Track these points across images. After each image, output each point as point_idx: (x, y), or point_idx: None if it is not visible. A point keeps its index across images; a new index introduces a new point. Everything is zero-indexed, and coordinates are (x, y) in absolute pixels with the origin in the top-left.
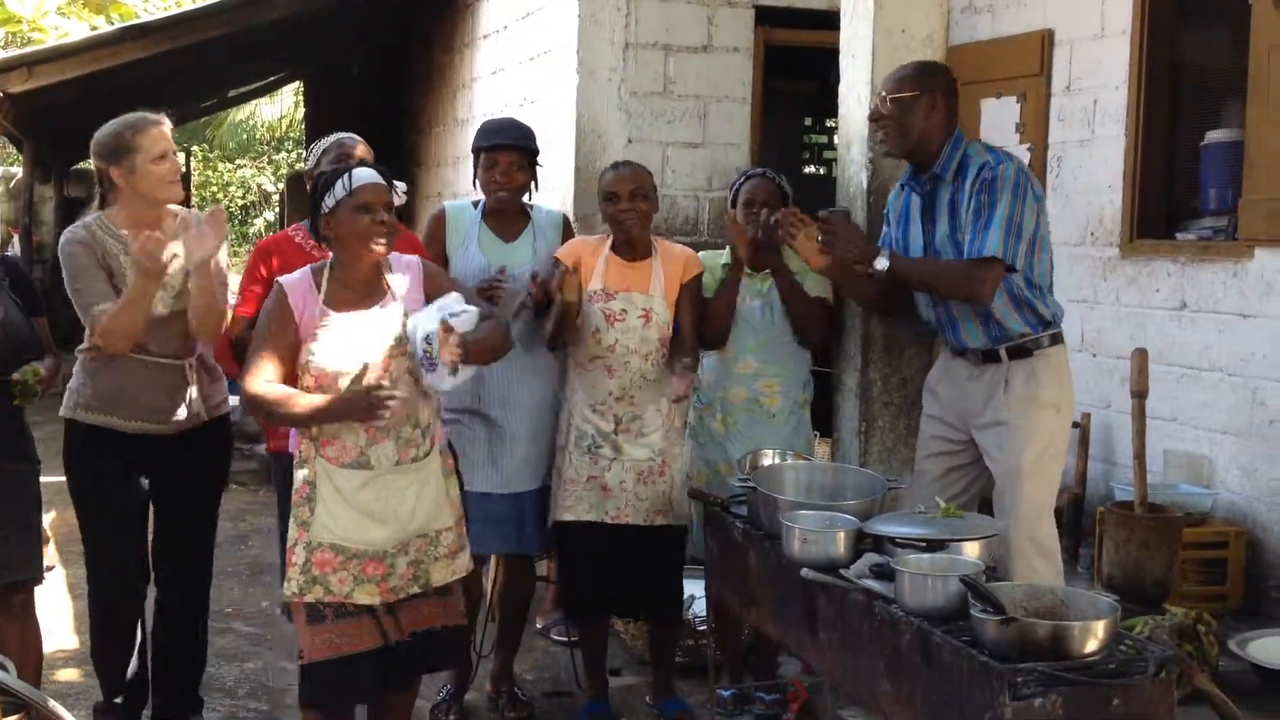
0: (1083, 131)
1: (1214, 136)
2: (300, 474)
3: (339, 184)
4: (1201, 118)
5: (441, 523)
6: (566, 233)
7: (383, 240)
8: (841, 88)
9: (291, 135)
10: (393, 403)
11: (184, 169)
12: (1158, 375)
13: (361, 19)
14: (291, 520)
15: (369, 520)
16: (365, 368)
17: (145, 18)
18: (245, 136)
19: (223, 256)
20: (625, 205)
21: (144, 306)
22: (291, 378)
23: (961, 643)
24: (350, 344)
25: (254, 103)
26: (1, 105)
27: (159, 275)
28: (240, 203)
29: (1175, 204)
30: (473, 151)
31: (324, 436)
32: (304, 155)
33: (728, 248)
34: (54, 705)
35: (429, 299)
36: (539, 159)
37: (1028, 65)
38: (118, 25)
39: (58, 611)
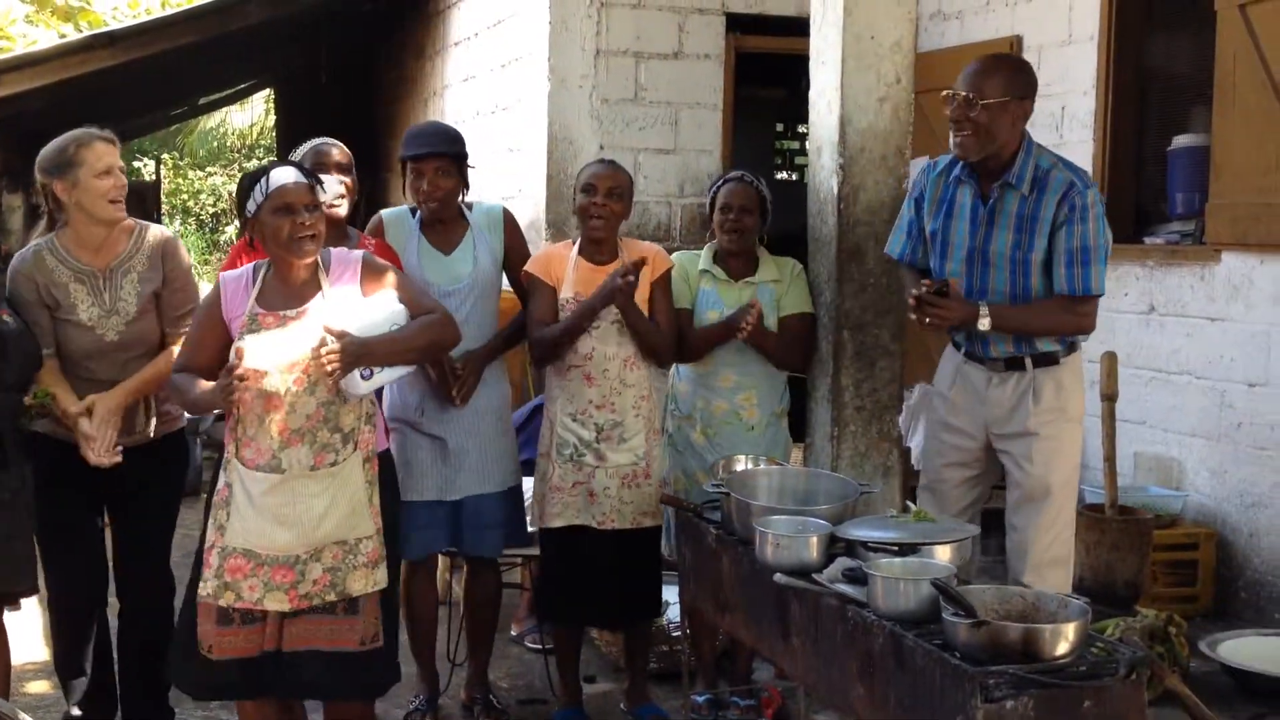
0: (1051, 137)
1: (1181, 141)
2: (222, 476)
3: (258, 187)
4: (1168, 123)
5: (361, 530)
6: (509, 227)
7: (308, 244)
8: (812, 94)
9: (262, 143)
10: (240, 387)
11: (127, 189)
12: (1127, 379)
13: (332, 26)
14: (210, 522)
15: (275, 524)
16: (239, 353)
17: (114, 25)
18: (216, 144)
19: (185, 277)
20: (600, 200)
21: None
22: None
23: (933, 646)
24: (274, 343)
25: (224, 110)
26: None
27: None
28: (211, 210)
29: (1143, 208)
30: (399, 161)
31: (245, 438)
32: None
33: (704, 249)
34: (24, 717)
35: (367, 296)
36: (470, 161)
37: None
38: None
39: (27, 623)
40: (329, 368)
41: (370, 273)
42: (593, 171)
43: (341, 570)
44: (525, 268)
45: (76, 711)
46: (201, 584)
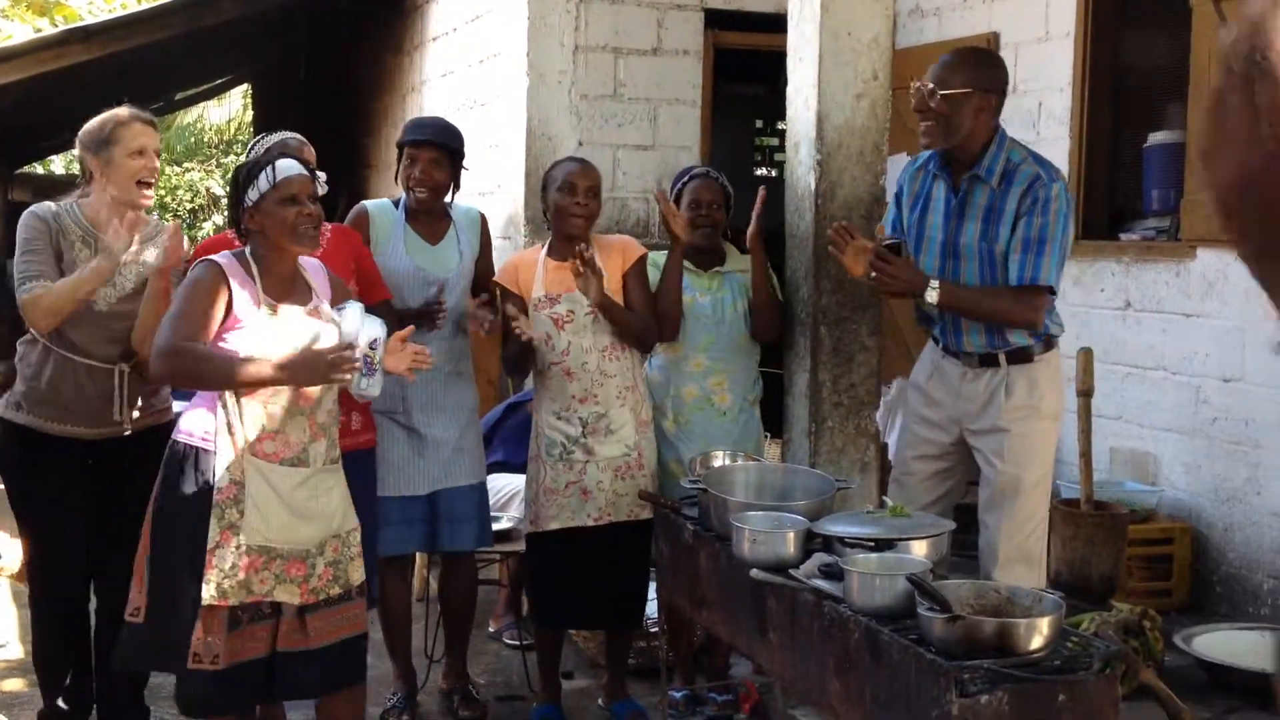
0: (1028, 133)
1: (1157, 138)
2: (224, 474)
3: (263, 176)
4: (1144, 119)
5: (350, 523)
6: (484, 232)
7: (312, 233)
8: (789, 90)
9: (240, 138)
10: (354, 368)
11: (157, 171)
12: (1103, 374)
13: (309, 21)
14: (214, 523)
15: (299, 519)
16: (316, 336)
17: (89, 20)
18: (193, 139)
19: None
20: (581, 199)
21: (87, 288)
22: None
23: (909, 641)
24: (283, 337)
25: (202, 106)
26: None
27: (116, 262)
28: (189, 206)
29: (1119, 205)
30: (397, 147)
31: (266, 432)
32: (244, 152)
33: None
34: None
35: (331, 304)
36: (464, 162)
37: None
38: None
39: (1, 620)
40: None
41: (332, 281)
42: (570, 169)
43: (341, 563)
44: (494, 279)
45: (54, 708)
46: (205, 586)
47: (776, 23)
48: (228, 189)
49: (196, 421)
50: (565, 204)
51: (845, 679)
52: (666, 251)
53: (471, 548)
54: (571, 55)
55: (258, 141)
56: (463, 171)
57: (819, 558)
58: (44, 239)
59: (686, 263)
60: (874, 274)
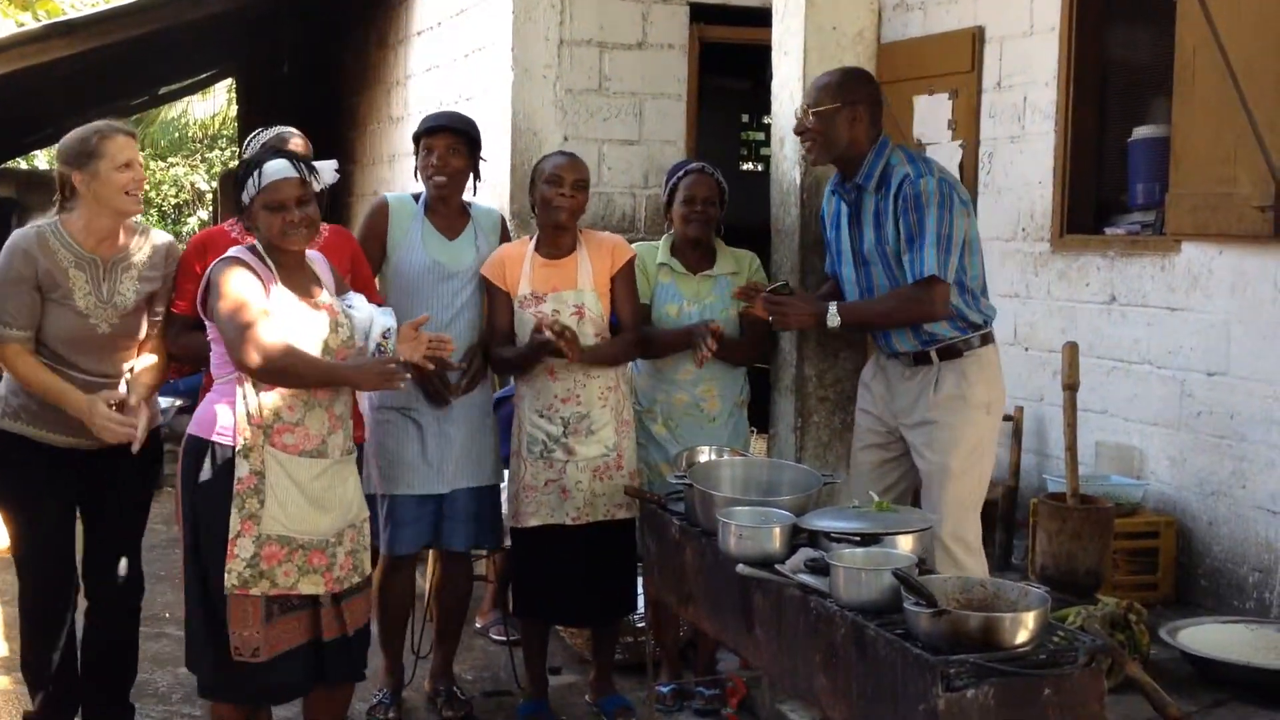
0: (1013, 128)
1: (1141, 132)
2: (243, 465)
3: (250, 181)
4: (1129, 114)
5: (364, 512)
6: (504, 235)
7: (297, 238)
8: (775, 85)
9: (225, 133)
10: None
11: (144, 180)
12: (1088, 368)
13: (294, 15)
14: (234, 512)
15: (317, 509)
16: (338, 326)
17: (72, 14)
18: (177, 134)
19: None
20: (567, 191)
21: (53, 399)
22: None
23: (895, 635)
24: (302, 329)
25: (186, 100)
26: None
27: (86, 417)
28: (173, 201)
29: (1104, 199)
30: (414, 140)
31: (280, 424)
32: (241, 150)
33: (661, 241)
34: None
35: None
36: (481, 153)
37: (959, 62)
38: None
39: None
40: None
41: (339, 277)
42: (557, 163)
43: (359, 552)
44: (481, 270)
45: (39, 711)
46: (226, 575)
47: (762, 17)
48: (214, 185)
49: (212, 417)
50: (550, 195)
51: (832, 674)
52: (647, 245)
53: (467, 547)
54: (557, 49)
55: (255, 136)
56: (481, 161)
57: (805, 553)
58: (26, 282)
59: (676, 264)
60: (771, 316)
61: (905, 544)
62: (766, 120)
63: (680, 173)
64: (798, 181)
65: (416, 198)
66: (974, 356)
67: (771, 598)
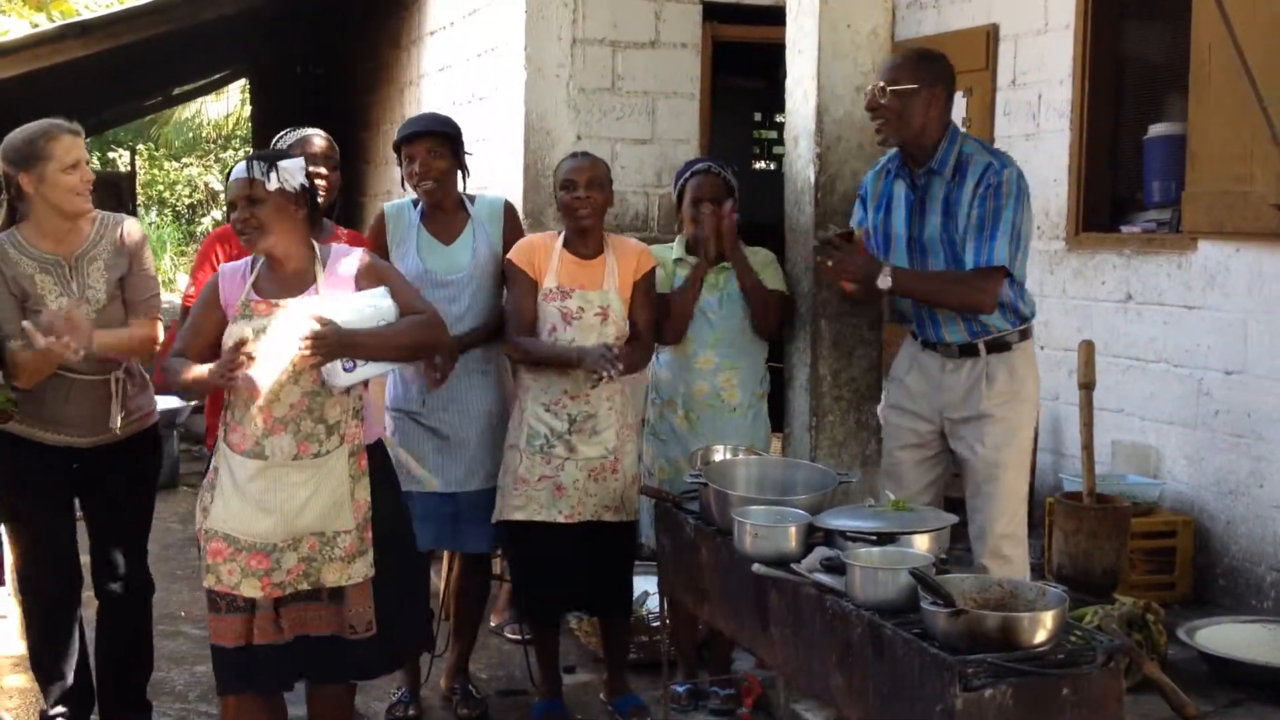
0: (1028, 125)
1: (1157, 130)
2: (213, 460)
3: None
4: (1144, 111)
5: (340, 524)
6: (509, 219)
7: (246, 236)
8: (788, 83)
9: (238, 133)
10: (242, 368)
11: (93, 180)
12: (1104, 367)
13: (307, 16)
14: (197, 504)
15: (256, 511)
16: (243, 340)
17: (87, 15)
18: (191, 135)
19: (149, 264)
20: (581, 194)
21: (47, 367)
22: (216, 357)
23: (912, 635)
24: (267, 331)
25: (200, 101)
26: None
27: (57, 360)
28: (187, 201)
29: (1120, 197)
30: (394, 150)
31: (232, 423)
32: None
33: (676, 241)
34: (3, 715)
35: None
36: (466, 147)
37: (973, 60)
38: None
39: (4, 618)
40: (308, 354)
41: (369, 271)
42: (570, 166)
43: (317, 561)
44: (508, 256)
45: (54, 711)
46: (201, 567)
47: (775, 15)
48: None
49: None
50: (568, 201)
51: (848, 673)
52: (661, 246)
53: (485, 549)
54: (569, 49)
55: (281, 137)
56: (466, 156)
57: (821, 552)
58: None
59: (690, 257)
60: (830, 263)
61: (922, 543)
62: (780, 119)
63: (688, 173)
64: (811, 180)
65: (415, 203)
66: (1021, 350)
67: (787, 597)
